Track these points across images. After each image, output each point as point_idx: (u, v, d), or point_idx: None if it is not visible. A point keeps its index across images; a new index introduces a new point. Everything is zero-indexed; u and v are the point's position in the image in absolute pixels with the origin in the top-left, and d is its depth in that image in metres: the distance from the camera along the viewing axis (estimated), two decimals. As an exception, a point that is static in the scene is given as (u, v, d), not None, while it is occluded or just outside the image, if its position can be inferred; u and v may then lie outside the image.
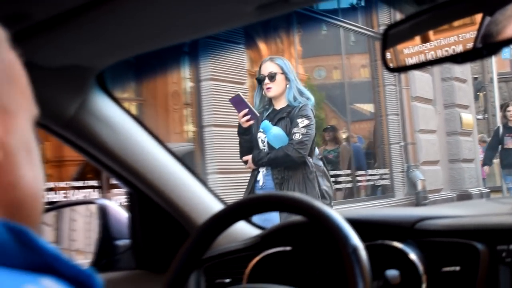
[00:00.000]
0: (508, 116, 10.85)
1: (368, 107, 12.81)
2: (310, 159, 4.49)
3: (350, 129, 12.01)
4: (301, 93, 4.57)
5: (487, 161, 11.91)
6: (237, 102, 4.52)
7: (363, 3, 11.24)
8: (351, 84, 12.24)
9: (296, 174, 4.42)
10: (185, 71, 9.23)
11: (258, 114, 4.48)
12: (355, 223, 1.34)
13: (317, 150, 4.69)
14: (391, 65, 1.26)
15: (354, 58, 12.65)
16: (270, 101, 4.65)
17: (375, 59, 12.15)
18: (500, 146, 11.07)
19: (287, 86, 4.51)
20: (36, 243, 0.61)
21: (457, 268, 1.39)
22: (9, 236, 0.60)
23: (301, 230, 1.61)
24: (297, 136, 4.31)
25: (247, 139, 4.62)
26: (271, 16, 1.25)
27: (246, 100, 4.60)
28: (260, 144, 4.55)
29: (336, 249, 1.31)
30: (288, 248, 1.62)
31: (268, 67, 4.63)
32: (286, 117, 4.47)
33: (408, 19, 1.23)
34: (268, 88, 4.58)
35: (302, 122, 4.34)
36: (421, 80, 12.60)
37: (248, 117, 4.38)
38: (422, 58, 1.23)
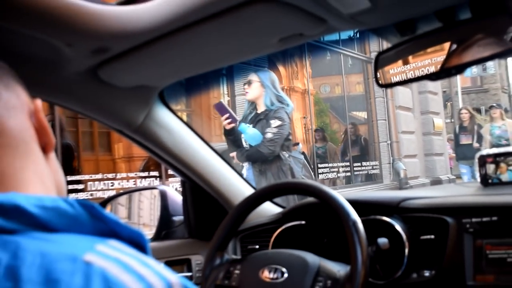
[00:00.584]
0: (461, 118, 10.69)
1: (362, 114, 12.79)
2: (285, 154, 4.38)
3: (349, 131, 12.05)
4: (279, 99, 4.44)
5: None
6: (220, 108, 4.39)
7: (358, 36, 11.17)
8: (349, 97, 12.25)
9: (271, 167, 4.34)
10: (223, 88, 9.24)
11: (238, 119, 4.36)
12: (353, 202, 1.35)
13: (300, 146, 4.63)
14: (381, 82, 1.27)
15: (351, 77, 12.61)
16: (255, 105, 4.55)
17: (368, 77, 12.30)
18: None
19: (264, 92, 4.40)
20: (103, 214, 0.63)
21: (432, 236, 1.40)
22: (83, 211, 0.62)
23: (313, 209, 1.61)
24: (269, 135, 4.21)
25: (231, 139, 4.49)
26: (290, 47, 1.25)
27: (227, 106, 4.51)
28: (244, 143, 4.45)
29: (339, 222, 1.32)
30: (303, 222, 1.62)
31: (250, 77, 4.56)
32: (263, 119, 4.37)
33: (394, 47, 1.23)
34: (246, 92, 4.56)
35: (275, 123, 4.23)
36: (402, 93, 12.57)
37: (229, 120, 4.22)
38: (404, 76, 1.24)
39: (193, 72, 1.41)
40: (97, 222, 0.63)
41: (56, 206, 0.61)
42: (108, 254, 0.56)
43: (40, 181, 0.70)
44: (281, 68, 10.77)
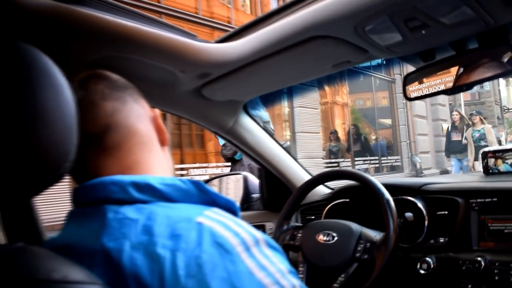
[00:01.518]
0: (453, 118, 9.52)
1: (388, 121, 12.56)
2: None
3: (378, 134, 11.88)
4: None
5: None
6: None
7: (384, 62, 10.92)
8: (377, 108, 12.10)
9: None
10: (284, 102, 9.25)
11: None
12: (386, 185, 1.33)
13: None
14: (408, 96, 1.24)
15: (378, 93, 12.40)
16: None
17: (392, 93, 12.18)
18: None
19: None
20: (206, 188, 0.66)
21: (446, 212, 1.35)
22: (193, 186, 0.65)
23: (355, 190, 1.59)
24: None
25: (231, 164, 4.09)
26: (339, 70, 1.24)
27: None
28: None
29: (376, 200, 1.30)
30: (347, 200, 1.60)
31: None
32: None
33: (418, 69, 1.20)
34: None
35: None
36: (418, 105, 12.36)
37: (228, 148, 3.77)
38: (426, 91, 1.21)
39: (268, 90, 1.42)
40: (203, 195, 0.65)
41: (174, 183, 0.64)
42: (212, 217, 0.58)
43: (160, 167, 0.73)
44: (326, 87, 10.71)
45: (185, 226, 0.56)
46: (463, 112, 9.85)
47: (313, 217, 1.69)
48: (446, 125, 13.33)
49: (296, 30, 0.99)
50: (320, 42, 1.03)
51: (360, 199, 1.55)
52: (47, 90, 0.51)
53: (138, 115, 0.73)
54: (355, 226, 1.33)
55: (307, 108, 9.13)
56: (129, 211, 0.60)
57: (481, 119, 8.71)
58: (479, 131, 8.54)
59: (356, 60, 1.15)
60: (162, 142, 0.76)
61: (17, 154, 0.48)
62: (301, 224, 1.50)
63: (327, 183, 1.76)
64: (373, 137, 11.95)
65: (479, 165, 7.66)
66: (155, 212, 0.58)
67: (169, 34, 0.99)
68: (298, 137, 8.88)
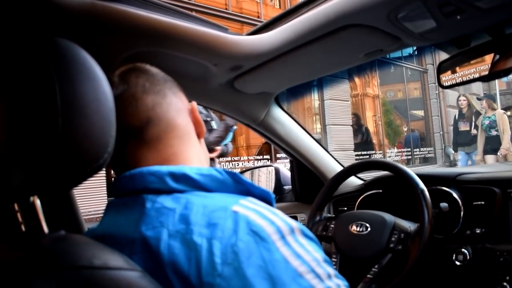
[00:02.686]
0: (459, 105, 7.92)
1: (420, 112, 12.28)
2: None
3: (410, 125, 11.67)
4: None
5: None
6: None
7: (416, 52, 10.69)
8: (409, 100, 11.85)
9: None
10: (315, 95, 9.20)
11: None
12: (420, 176, 1.31)
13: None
14: (443, 84, 1.20)
15: (410, 84, 12.14)
16: None
17: (424, 84, 11.86)
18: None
19: None
20: (242, 179, 0.66)
21: (482, 202, 1.32)
22: (229, 176, 0.65)
23: (388, 181, 1.56)
24: None
25: None
26: (372, 60, 1.22)
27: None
28: None
29: (410, 190, 1.28)
30: (380, 191, 1.58)
31: None
32: None
33: (453, 56, 1.17)
34: None
35: None
36: (451, 95, 11.97)
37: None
38: (461, 79, 1.18)
39: (299, 81, 1.40)
40: (238, 185, 0.66)
41: (210, 173, 0.65)
42: (248, 206, 0.59)
43: (197, 158, 0.74)
44: (356, 79, 10.58)
45: (221, 215, 0.57)
46: (472, 98, 7.98)
47: (345, 209, 1.67)
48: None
49: (328, 19, 0.98)
50: (352, 31, 1.01)
51: (394, 190, 1.53)
52: (85, 84, 0.52)
53: (177, 109, 0.74)
54: (388, 216, 1.32)
55: (337, 101, 9.06)
56: (166, 200, 0.61)
57: (490, 105, 7.30)
58: (489, 118, 7.14)
59: (389, 49, 1.13)
60: (199, 135, 0.78)
61: (57, 146, 0.49)
62: (333, 215, 1.49)
63: (359, 175, 1.74)
64: (405, 129, 11.75)
65: (491, 159, 6.82)
66: (191, 202, 0.59)
67: (202, 27, 1.00)
68: (329, 130, 8.84)
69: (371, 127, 10.76)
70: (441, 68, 1.19)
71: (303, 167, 1.80)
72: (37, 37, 0.53)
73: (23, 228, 0.58)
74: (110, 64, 0.55)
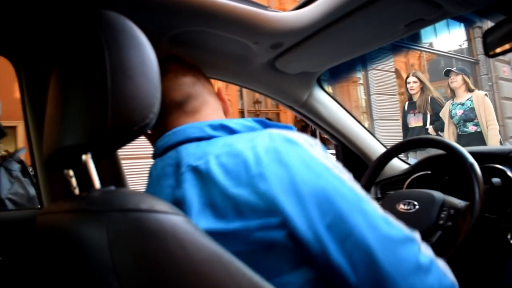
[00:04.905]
0: (408, 88, 4.87)
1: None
2: None
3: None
4: None
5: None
6: None
7: (466, 44, 10.31)
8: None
9: None
10: (361, 91, 9.12)
11: None
12: (472, 153, 1.26)
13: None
14: (490, 53, 1.17)
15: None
16: None
17: (476, 76, 11.36)
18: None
19: None
20: (269, 122, 0.76)
21: None
22: (257, 123, 0.75)
23: (437, 161, 1.52)
24: None
25: None
26: (413, 32, 1.20)
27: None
28: None
29: (459, 167, 1.25)
30: (429, 172, 1.55)
31: None
32: None
33: (499, 24, 1.13)
34: None
35: None
36: (507, 86, 11.42)
37: None
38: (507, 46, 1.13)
39: (341, 59, 1.40)
40: (267, 126, 0.75)
41: (241, 122, 0.74)
42: (278, 130, 0.71)
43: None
44: (404, 75, 10.36)
45: (258, 135, 0.68)
46: (425, 79, 4.98)
47: (391, 192, 1.65)
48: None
49: None
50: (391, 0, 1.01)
51: (443, 170, 1.49)
52: (131, 49, 0.57)
53: (209, 90, 0.88)
54: (437, 193, 1.29)
55: (384, 95, 8.89)
56: (207, 143, 0.70)
57: (465, 82, 4.47)
58: (462, 105, 4.41)
59: (430, 18, 1.11)
60: (225, 112, 0.90)
61: (106, 105, 0.53)
62: (380, 196, 1.47)
63: (405, 159, 1.71)
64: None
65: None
66: (230, 138, 0.70)
67: (242, 5, 1.03)
68: (376, 124, 8.70)
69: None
70: (488, 36, 1.16)
71: (347, 150, 1.79)
72: (87, 11, 0.59)
73: (76, 192, 0.63)
74: (156, 43, 0.59)
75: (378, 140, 1.78)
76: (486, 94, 4.43)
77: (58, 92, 0.59)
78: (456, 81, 4.50)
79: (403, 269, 0.60)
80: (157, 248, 0.49)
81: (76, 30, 0.59)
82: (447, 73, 4.60)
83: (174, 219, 0.51)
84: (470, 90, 4.46)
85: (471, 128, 4.36)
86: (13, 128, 11.02)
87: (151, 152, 0.82)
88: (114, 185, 0.57)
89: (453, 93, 4.58)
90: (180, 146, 0.72)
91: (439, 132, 4.71)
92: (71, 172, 0.64)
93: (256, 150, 0.64)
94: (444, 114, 4.59)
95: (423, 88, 4.81)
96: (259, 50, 1.22)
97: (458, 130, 4.48)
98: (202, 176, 0.65)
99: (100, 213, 0.49)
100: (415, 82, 4.84)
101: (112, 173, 1.11)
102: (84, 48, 0.57)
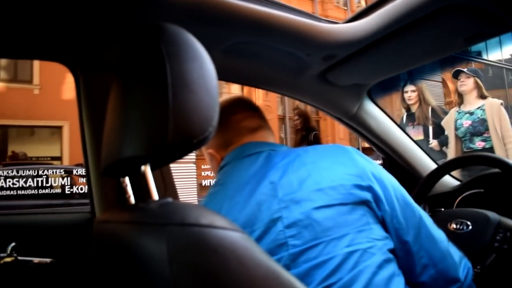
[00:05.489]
0: (406, 98, 4.25)
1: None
2: None
3: None
4: None
5: None
6: None
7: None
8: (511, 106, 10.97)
9: None
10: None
11: None
12: None
13: None
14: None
15: (512, 90, 11.22)
16: None
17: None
18: None
19: None
20: None
21: None
22: None
23: (490, 179, 1.47)
24: None
25: None
26: (473, 45, 1.16)
27: None
28: None
29: None
30: (481, 190, 1.49)
31: None
32: None
33: None
34: None
35: None
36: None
37: None
38: None
39: (393, 72, 1.38)
40: None
41: None
42: None
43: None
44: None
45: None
46: (425, 89, 4.42)
47: (442, 209, 1.60)
48: None
49: (426, 1, 0.96)
50: (451, 13, 0.98)
51: (498, 189, 1.43)
52: (192, 63, 0.57)
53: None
54: (492, 214, 1.24)
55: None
56: None
57: (477, 86, 3.61)
58: (471, 114, 3.58)
59: (492, 32, 1.07)
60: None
61: (167, 117, 0.53)
62: (430, 214, 1.43)
63: (456, 175, 1.65)
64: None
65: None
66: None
67: (296, 17, 1.03)
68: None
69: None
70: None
71: (395, 164, 1.75)
72: (148, 25, 0.60)
73: (132, 200, 0.64)
74: (211, 55, 0.60)
75: (429, 155, 1.73)
76: (502, 103, 3.63)
77: (119, 102, 0.60)
78: (466, 84, 3.61)
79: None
80: (216, 263, 0.49)
81: (137, 41, 0.60)
82: (456, 74, 3.78)
83: (233, 235, 0.52)
84: (482, 97, 3.60)
85: (478, 144, 3.49)
86: (59, 128, 11.48)
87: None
88: (165, 195, 0.58)
89: (460, 99, 3.73)
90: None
91: (444, 148, 4.03)
92: (127, 180, 0.65)
93: None
94: (447, 123, 3.79)
95: (422, 98, 4.20)
96: (311, 62, 1.21)
97: (462, 146, 3.65)
98: None
99: (160, 226, 0.50)
100: (413, 91, 4.20)
101: (164, 184, 1.12)
102: (146, 60, 0.58)
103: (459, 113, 3.64)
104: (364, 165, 0.88)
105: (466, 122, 3.56)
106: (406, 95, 4.21)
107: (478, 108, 3.56)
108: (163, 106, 0.54)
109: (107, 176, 0.64)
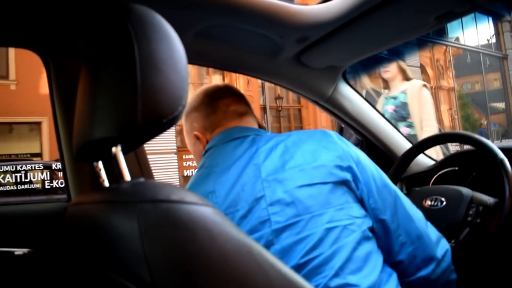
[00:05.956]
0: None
1: (501, 105, 11.54)
2: None
3: (490, 119, 11.02)
4: None
5: None
6: None
7: (494, 39, 10.06)
8: (488, 91, 11.19)
9: None
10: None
11: None
12: (502, 149, 1.23)
13: None
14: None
15: (489, 75, 11.46)
16: None
17: (504, 72, 11.10)
18: None
19: None
20: None
21: None
22: None
23: (464, 156, 1.50)
24: None
25: None
26: (443, 24, 1.17)
27: None
28: None
29: (489, 163, 1.22)
30: (456, 168, 1.52)
31: None
32: None
33: None
34: None
35: None
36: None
37: None
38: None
39: (367, 53, 1.38)
40: None
41: None
42: None
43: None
44: (429, 70, 10.18)
45: None
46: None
47: (417, 189, 1.63)
48: None
49: None
50: None
51: (471, 166, 1.47)
52: (160, 43, 0.57)
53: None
54: (465, 190, 1.27)
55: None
56: None
57: (401, 69, 3.34)
58: (394, 99, 3.29)
59: (461, 10, 1.08)
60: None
61: (136, 97, 0.53)
62: (405, 192, 1.45)
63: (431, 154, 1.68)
64: (484, 123, 11.09)
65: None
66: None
67: None
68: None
69: (446, 121, 10.30)
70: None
71: (372, 145, 1.77)
72: (116, 6, 0.60)
73: (106, 184, 0.64)
74: (181, 37, 0.60)
75: (404, 136, 1.75)
76: (425, 85, 3.30)
77: (88, 85, 0.60)
78: (390, 70, 3.31)
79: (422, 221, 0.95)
80: (187, 238, 0.49)
81: (105, 23, 0.60)
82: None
83: (203, 210, 0.52)
84: (407, 79, 3.33)
85: (403, 130, 3.07)
86: (38, 124, 11.29)
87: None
88: (141, 177, 0.58)
89: (385, 84, 3.46)
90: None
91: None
92: (100, 164, 0.65)
93: None
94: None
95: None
96: (285, 44, 1.22)
97: None
98: None
99: (131, 204, 0.50)
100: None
101: (139, 166, 1.13)
102: (113, 42, 0.57)
103: (386, 98, 3.37)
104: (344, 148, 0.91)
105: (390, 107, 3.30)
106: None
107: (401, 92, 3.26)
108: (132, 86, 0.53)
109: (80, 160, 0.64)
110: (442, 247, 0.95)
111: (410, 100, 3.16)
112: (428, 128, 3.10)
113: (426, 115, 3.14)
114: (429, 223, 0.97)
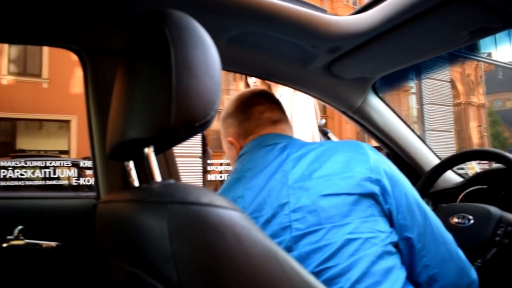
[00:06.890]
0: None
1: (533, 124, 11.23)
2: None
3: (520, 137, 10.69)
4: None
5: None
6: None
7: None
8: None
9: None
10: (413, 100, 8.93)
11: None
12: None
13: None
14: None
15: (522, 93, 11.16)
16: None
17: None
18: None
19: None
20: None
21: None
22: None
23: (494, 175, 1.47)
24: None
25: None
26: (478, 40, 1.16)
27: None
28: None
29: None
30: (485, 186, 1.49)
31: None
32: None
33: None
34: None
35: None
36: None
37: None
38: None
39: (399, 66, 1.38)
40: None
41: None
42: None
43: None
44: (459, 85, 9.98)
45: None
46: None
47: (444, 205, 1.60)
48: None
49: None
50: (456, 6, 0.98)
51: (500, 185, 1.43)
52: (196, 48, 0.58)
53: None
54: (494, 209, 1.24)
55: (438, 105, 8.59)
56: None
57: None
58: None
59: (496, 26, 1.07)
60: None
61: (170, 100, 0.54)
62: (432, 208, 1.43)
63: (459, 171, 1.65)
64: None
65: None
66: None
67: (302, 8, 1.04)
68: (428, 136, 8.44)
69: (475, 138, 10.07)
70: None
71: (399, 159, 1.75)
72: (154, 10, 0.61)
73: (136, 184, 0.66)
74: (214, 44, 0.61)
75: (432, 151, 1.73)
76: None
77: (124, 86, 0.61)
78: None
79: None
80: (215, 241, 0.50)
81: (143, 26, 0.62)
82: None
83: (232, 214, 0.53)
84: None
85: None
86: (67, 122, 11.56)
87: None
88: (170, 179, 0.59)
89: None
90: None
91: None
92: (131, 164, 0.67)
93: None
94: None
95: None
96: (316, 54, 1.22)
97: None
98: None
99: (161, 204, 0.51)
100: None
101: (167, 167, 1.14)
102: (151, 45, 0.59)
103: None
104: (377, 161, 0.89)
105: None
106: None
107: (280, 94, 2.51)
108: (167, 89, 0.55)
109: (112, 159, 0.65)
110: (468, 276, 0.91)
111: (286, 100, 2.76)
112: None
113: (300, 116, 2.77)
114: (460, 250, 0.92)
